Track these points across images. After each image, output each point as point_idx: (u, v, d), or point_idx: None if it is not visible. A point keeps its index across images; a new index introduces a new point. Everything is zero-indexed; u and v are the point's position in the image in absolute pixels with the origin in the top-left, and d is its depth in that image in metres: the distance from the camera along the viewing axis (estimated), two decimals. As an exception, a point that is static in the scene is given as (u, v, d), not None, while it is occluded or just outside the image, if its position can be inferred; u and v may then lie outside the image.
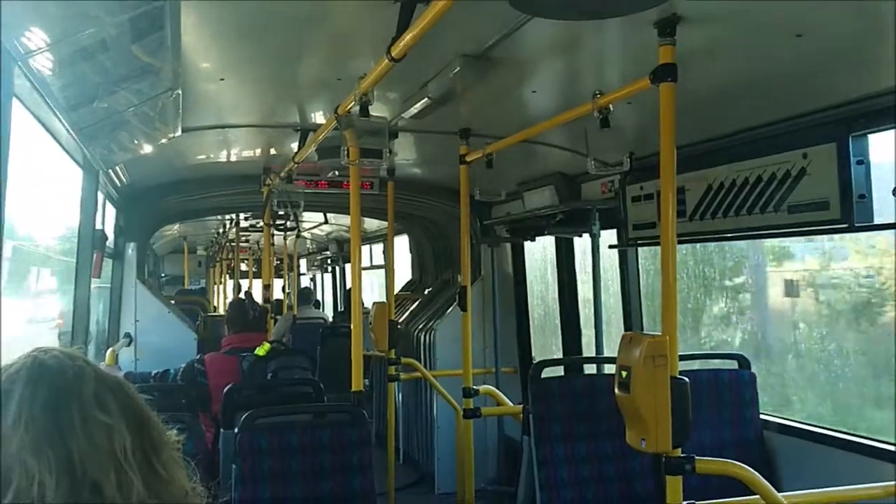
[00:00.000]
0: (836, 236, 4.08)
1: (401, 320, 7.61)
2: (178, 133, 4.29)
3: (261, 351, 5.20)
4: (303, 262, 16.59)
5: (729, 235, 4.03)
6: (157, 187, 6.54)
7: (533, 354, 6.62)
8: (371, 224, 9.52)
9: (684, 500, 2.60)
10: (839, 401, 4.40)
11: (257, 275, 11.53)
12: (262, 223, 7.42)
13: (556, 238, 5.77)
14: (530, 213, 5.65)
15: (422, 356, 6.86)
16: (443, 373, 6.15)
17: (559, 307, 5.90)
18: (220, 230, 11.97)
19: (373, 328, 5.70)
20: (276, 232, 7.91)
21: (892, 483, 2.95)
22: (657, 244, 3.08)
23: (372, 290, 12.11)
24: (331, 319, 10.73)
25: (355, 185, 3.93)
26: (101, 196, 4.85)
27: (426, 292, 8.35)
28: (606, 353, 4.74)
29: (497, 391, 5.28)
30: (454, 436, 5.66)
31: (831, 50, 2.83)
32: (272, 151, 5.74)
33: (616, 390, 2.66)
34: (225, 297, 15.08)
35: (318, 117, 4.60)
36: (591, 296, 5.04)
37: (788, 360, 4.89)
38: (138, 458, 1.05)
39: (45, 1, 2.30)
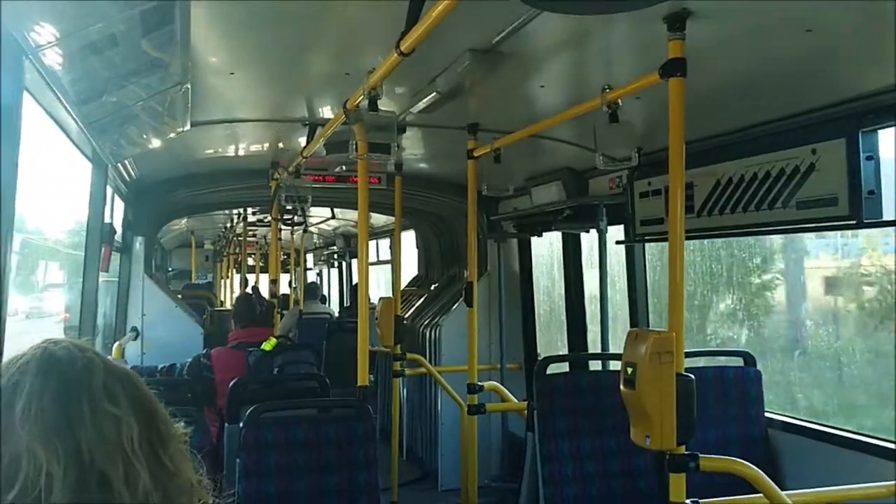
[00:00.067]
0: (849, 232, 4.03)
1: (406, 316, 7.62)
2: (187, 127, 4.30)
3: (267, 346, 5.21)
4: (309, 256, 16.59)
5: (737, 231, 4.01)
6: (166, 181, 6.55)
7: (538, 351, 6.62)
8: (378, 219, 9.52)
9: (688, 497, 2.60)
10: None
11: (264, 269, 11.54)
12: (269, 218, 7.43)
13: (563, 234, 5.77)
14: (537, 208, 5.64)
15: (427, 352, 6.87)
16: (448, 368, 6.14)
17: (565, 303, 5.89)
18: (228, 225, 11.98)
19: (379, 324, 5.70)
20: (283, 227, 7.92)
21: (897, 482, 2.94)
22: (665, 240, 3.08)
23: (378, 286, 12.12)
24: (337, 314, 10.74)
25: (363, 179, 3.93)
26: (109, 190, 4.86)
27: (432, 288, 8.34)
28: (612, 350, 4.74)
29: (502, 387, 5.27)
30: (458, 432, 5.68)
31: (841, 45, 2.82)
32: (280, 146, 5.74)
33: (621, 387, 2.66)
34: (232, 292, 15.10)
35: (327, 112, 4.60)
36: (597, 292, 5.03)
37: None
38: (145, 450, 1.05)
39: (55, -5, 2.31)
